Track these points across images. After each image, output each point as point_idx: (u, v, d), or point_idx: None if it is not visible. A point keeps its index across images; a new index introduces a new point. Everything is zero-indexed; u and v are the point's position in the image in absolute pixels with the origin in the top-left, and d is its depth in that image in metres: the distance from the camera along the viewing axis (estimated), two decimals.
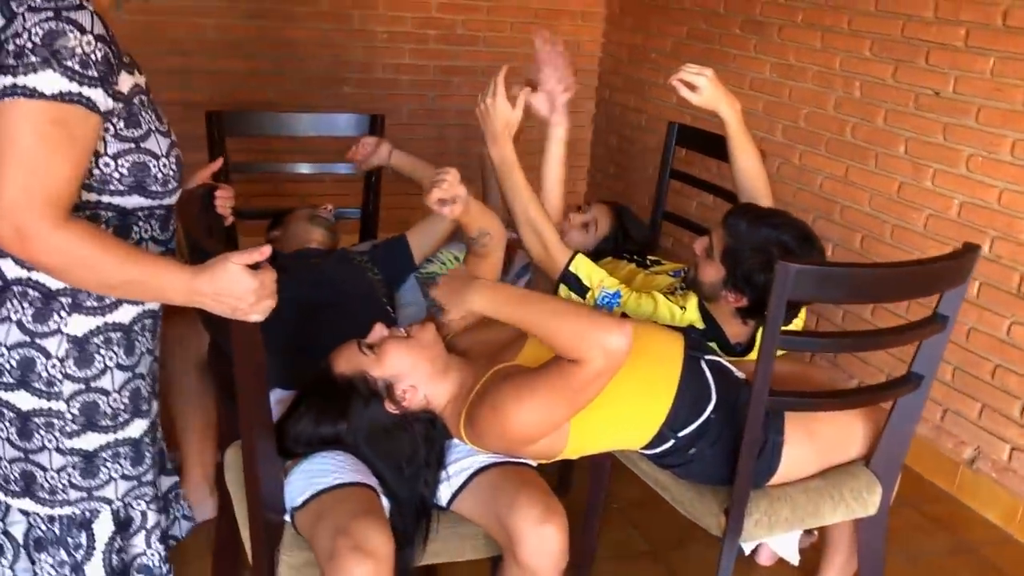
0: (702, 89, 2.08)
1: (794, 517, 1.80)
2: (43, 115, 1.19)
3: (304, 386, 1.73)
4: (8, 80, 1.18)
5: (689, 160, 3.04)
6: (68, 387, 1.38)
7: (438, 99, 4.23)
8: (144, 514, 1.55)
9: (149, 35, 3.66)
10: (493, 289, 1.61)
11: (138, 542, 1.56)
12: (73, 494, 1.44)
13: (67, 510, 1.45)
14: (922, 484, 2.85)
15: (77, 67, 1.21)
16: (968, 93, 2.69)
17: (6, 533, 1.49)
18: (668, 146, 2.78)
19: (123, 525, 1.52)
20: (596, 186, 4.68)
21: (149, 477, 1.54)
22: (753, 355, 2.01)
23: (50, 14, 1.19)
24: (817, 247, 1.90)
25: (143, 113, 1.36)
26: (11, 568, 1.50)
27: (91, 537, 1.47)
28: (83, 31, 1.21)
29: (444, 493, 1.69)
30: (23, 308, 1.34)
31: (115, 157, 1.33)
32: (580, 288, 2.04)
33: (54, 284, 1.34)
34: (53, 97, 1.19)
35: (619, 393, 1.69)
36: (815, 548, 2.26)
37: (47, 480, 1.42)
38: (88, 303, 1.37)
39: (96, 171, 1.32)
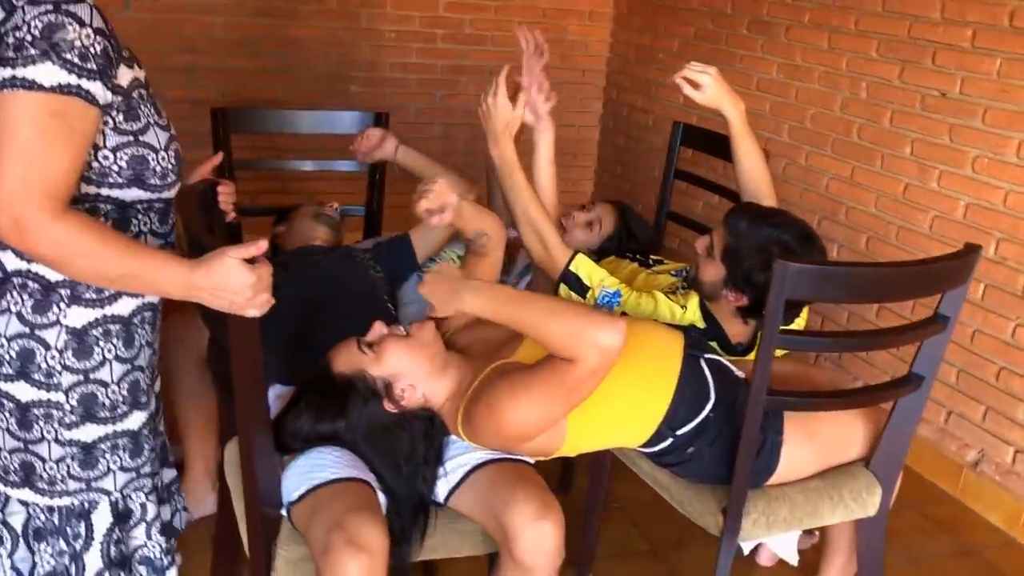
0: (706, 87, 2.08)
1: (792, 517, 1.79)
2: (42, 107, 1.20)
3: (304, 383, 1.74)
4: (7, 72, 1.19)
5: (695, 160, 3.03)
6: (67, 378, 1.39)
7: (445, 98, 4.24)
8: (143, 506, 1.55)
9: (157, 32, 3.69)
10: (486, 290, 1.60)
11: (138, 534, 1.57)
12: (72, 485, 1.45)
13: (66, 500, 1.46)
14: (925, 486, 2.84)
15: (76, 60, 1.22)
16: (975, 94, 2.68)
17: (5, 523, 1.50)
18: (673, 146, 2.78)
19: (122, 517, 1.52)
20: (603, 186, 4.68)
21: (148, 469, 1.55)
22: (753, 355, 2.00)
23: (50, 7, 1.21)
24: (818, 247, 1.90)
25: (142, 107, 1.37)
26: (10, 557, 1.50)
27: (90, 527, 1.48)
28: (82, 24, 1.22)
29: (441, 489, 1.70)
30: (23, 300, 1.35)
31: (114, 150, 1.34)
32: (580, 287, 2.04)
33: (54, 276, 1.35)
34: (52, 89, 1.20)
35: (617, 391, 1.69)
36: (816, 549, 2.25)
37: (46, 471, 1.43)
38: (87, 295, 1.38)
39: (95, 164, 1.33)
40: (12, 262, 1.35)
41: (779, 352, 2.12)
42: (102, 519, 1.49)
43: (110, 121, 1.32)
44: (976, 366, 2.73)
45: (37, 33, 1.20)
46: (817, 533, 2.30)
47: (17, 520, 1.49)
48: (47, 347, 1.37)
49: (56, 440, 1.42)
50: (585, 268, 2.05)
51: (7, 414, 1.40)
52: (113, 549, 1.50)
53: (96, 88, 1.25)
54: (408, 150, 2.53)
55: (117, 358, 1.43)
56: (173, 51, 3.74)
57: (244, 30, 3.85)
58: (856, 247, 3.12)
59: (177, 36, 3.75)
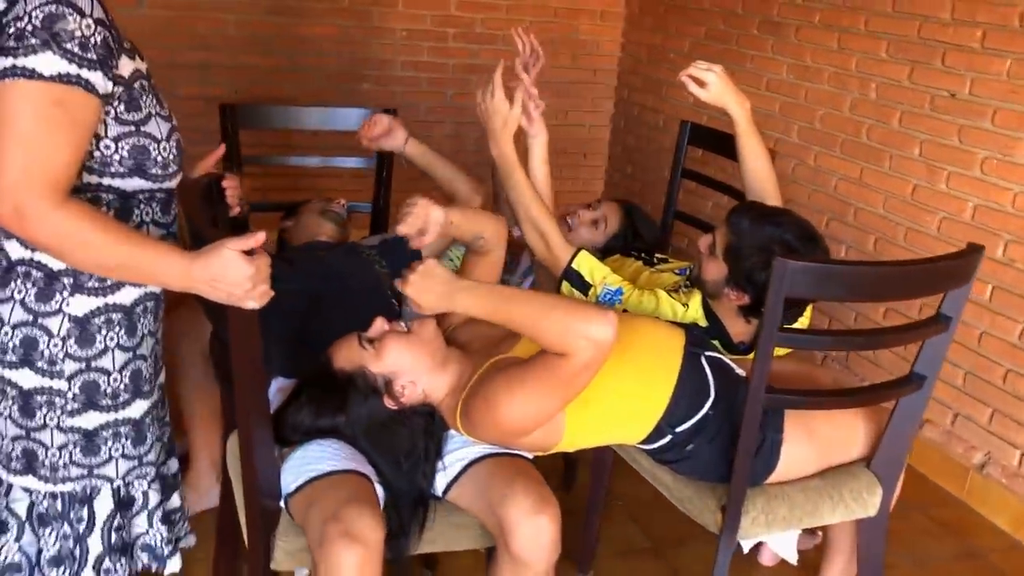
0: (711, 85, 2.08)
1: (792, 516, 1.79)
2: (43, 96, 1.22)
3: (305, 377, 1.75)
4: (8, 61, 1.21)
5: (705, 160, 3.03)
6: (69, 366, 1.41)
7: (456, 97, 4.25)
8: (145, 494, 1.57)
9: (170, 30, 3.72)
10: (476, 289, 1.59)
11: (140, 522, 1.59)
12: (74, 471, 1.47)
13: (68, 487, 1.48)
14: (931, 488, 2.83)
15: (76, 49, 1.23)
16: (984, 95, 2.66)
17: (9, 510, 1.53)
18: (680, 145, 2.78)
19: (124, 504, 1.54)
20: (613, 185, 4.68)
21: (151, 458, 1.57)
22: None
23: None
24: (821, 247, 1.89)
25: (144, 97, 1.39)
26: (17, 542, 1.53)
27: (91, 513, 1.51)
28: (83, 14, 1.24)
29: (440, 483, 1.70)
30: (27, 288, 1.37)
31: (116, 140, 1.36)
32: (582, 285, 2.04)
33: (56, 265, 1.37)
34: (52, 78, 1.22)
35: (616, 387, 1.70)
36: (818, 549, 2.25)
37: (48, 458, 1.45)
38: (90, 284, 1.39)
39: (97, 153, 1.35)
40: (16, 251, 1.37)
41: (783, 351, 2.13)
42: (103, 505, 1.51)
43: (111, 111, 1.34)
44: (983, 368, 2.72)
45: (38, 23, 1.21)
46: (820, 533, 2.30)
47: (21, 506, 1.51)
48: (50, 335, 1.39)
49: (58, 427, 1.43)
50: (587, 265, 2.06)
51: (10, 401, 1.42)
52: (114, 536, 1.52)
53: (96, 78, 1.26)
54: (418, 144, 2.47)
55: (119, 347, 1.45)
56: (186, 48, 3.77)
57: (256, 28, 3.88)
58: (864, 248, 3.11)
59: (190, 33, 3.78)
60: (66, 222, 1.23)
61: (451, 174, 2.43)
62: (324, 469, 1.59)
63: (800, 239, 1.86)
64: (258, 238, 1.32)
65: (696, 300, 2.05)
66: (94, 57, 1.25)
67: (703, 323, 2.04)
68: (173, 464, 1.73)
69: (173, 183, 1.47)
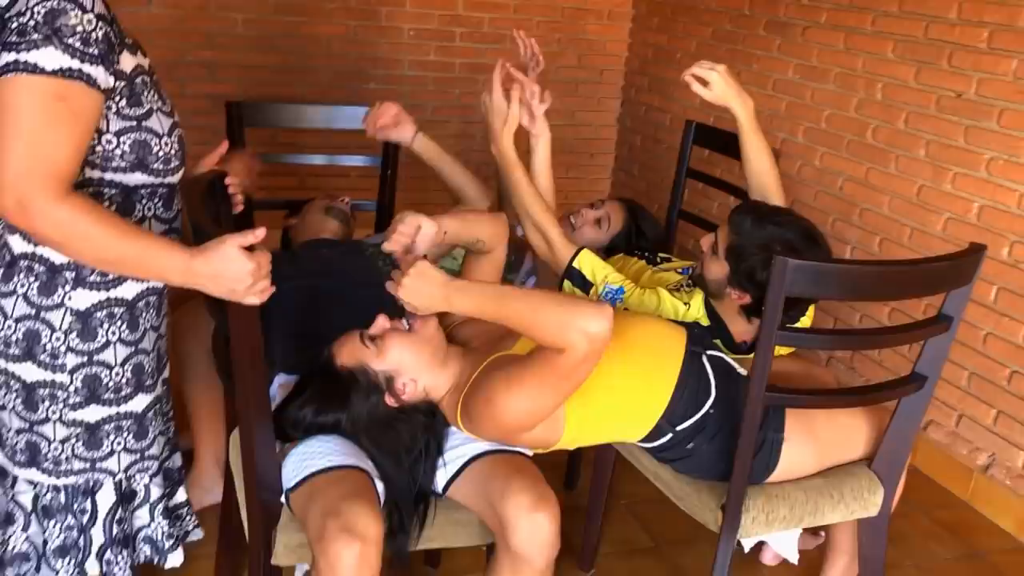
0: (714, 84, 2.07)
1: (792, 515, 1.79)
2: (45, 90, 1.23)
3: (307, 373, 1.76)
4: (11, 56, 1.23)
5: (712, 160, 3.03)
6: (71, 360, 1.42)
7: (463, 96, 4.26)
8: (147, 488, 1.58)
9: (179, 28, 3.74)
10: (470, 289, 1.59)
11: (142, 514, 1.60)
12: (77, 464, 1.48)
13: (71, 480, 1.49)
14: (935, 490, 2.82)
15: (78, 44, 1.25)
16: (990, 95, 2.66)
17: (15, 502, 1.54)
18: (685, 145, 2.78)
19: (126, 497, 1.56)
20: (620, 185, 4.68)
21: (153, 452, 1.58)
22: None
23: None
24: (822, 247, 1.89)
25: (146, 93, 1.40)
26: (24, 531, 1.55)
27: (94, 505, 1.52)
28: (84, 10, 1.26)
29: (440, 479, 1.71)
30: (29, 282, 1.39)
31: (117, 135, 1.37)
32: (584, 284, 2.05)
33: (59, 259, 1.38)
34: (54, 73, 1.23)
35: (617, 385, 1.70)
36: (821, 550, 2.25)
37: (51, 451, 1.47)
38: (91, 278, 1.41)
39: (99, 148, 1.36)
40: (19, 245, 1.39)
41: (785, 351, 2.13)
42: (106, 498, 1.52)
43: (113, 106, 1.35)
44: (987, 369, 2.71)
45: (40, 19, 1.23)
46: (823, 534, 2.30)
47: (26, 498, 1.53)
48: (52, 329, 1.40)
49: (61, 420, 1.45)
50: (589, 264, 2.06)
51: (13, 394, 1.44)
52: (115, 528, 1.53)
53: (98, 72, 1.28)
54: (427, 140, 2.38)
55: (121, 341, 1.46)
56: (195, 47, 3.79)
57: (265, 27, 3.89)
58: (870, 248, 3.10)
59: (199, 32, 3.80)
60: (68, 216, 1.25)
61: (460, 176, 2.38)
62: (324, 464, 1.60)
63: (802, 239, 1.86)
64: (257, 234, 1.33)
65: (698, 299, 2.05)
66: (95, 52, 1.27)
67: (705, 322, 2.04)
68: (177, 459, 1.74)
69: (175, 178, 1.48)
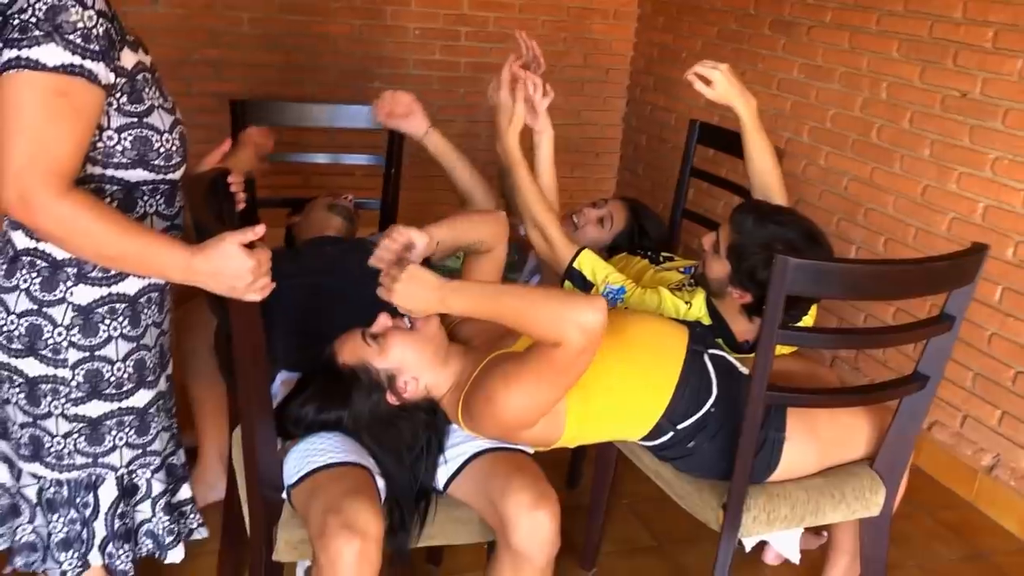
0: (716, 83, 2.07)
1: (794, 515, 1.79)
2: (46, 86, 1.24)
3: (309, 371, 1.77)
4: (12, 53, 1.24)
5: (717, 159, 3.03)
6: (73, 355, 1.43)
7: (468, 96, 4.26)
8: (149, 483, 1.59)
9: (185, 27, 3.76)
10: (464, 289, 1.59)
11: (144, 509, 1.61)
12: (79, 459, 1.49)
13: (74, 474, 1.50)
14: (939, 490, 2.82)
15: (79, 40, 1.25)
16: (995, 95, 2.65)
17: (21, 495, 1.56)
18: (689, 145, 2.78)
19: (128, 492, 1.57)
20: (625, 184, 4.68)
21: (156, 447, 1.58)
22: None
23: None
24: (824, 246, 1.89)
25: (147, 89, 1.41)
26: (31, 523, 1.56)
27: (96, 498, 1.53)
28: (84, 6, 1.27)
29: (441, 477, 1.72)
30: (32, 277, 1.39)
31: (118, 131, 1.38)
32: (584, 284, 2.05)
33: (61, 254, 1.39)
34: (55, 69, 1.24)
35: (618, 383, 1.70)
36: (823, 550, 2.24)
37: (54, 445, 1.48)
38: (93, 273, 1.42)
39: (100, 144, 1.37)
40: (22, 241, 1.40)
41: (787, 350, 2.13)
42: (108, 493, 1.53)
43: (114, 102, 1.36)
44: (992, 370, 2.70)
45: (41, 15, 1.24)
46: (826, 534, 2.29)
47: (31, 491, 1.54)
48: (54, 324, 1.41)
49: (63, 415, 1.46)
50: (589, 265, 2.06)
51: (17, 389, 1.45)
52: (117, 522, 1.54)
53: (99, 69, 1.29)
54: (440, 136, 2.31)
55: (123, 336, 1.47)
56: (200, 46, 3.81)
57: (270, 25, 3.91)
58: (874, 249, 3.10)
59: (204, 31, 3.81)
60: (69, 211, 1.25)
61: (468, 177, 2.32)
62: (326, 461, 1.60)
63: (803, 238, 1.86)
64: (257, 231, 1.34)
65: (700, 298, 2.05)
66: (96, 48, 1.28)
67: (707, 322, 2.04)
68: (181, 455, 1.74)
69: (176, 175, 1.49)
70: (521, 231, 2.24)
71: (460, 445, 1.73)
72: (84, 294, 1.41)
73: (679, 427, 1.75)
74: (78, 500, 1.52)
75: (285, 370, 1.91)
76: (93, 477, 1.52)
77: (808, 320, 2.07)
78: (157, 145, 1.42)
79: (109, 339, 1.45)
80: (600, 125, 4.64)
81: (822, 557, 2.19)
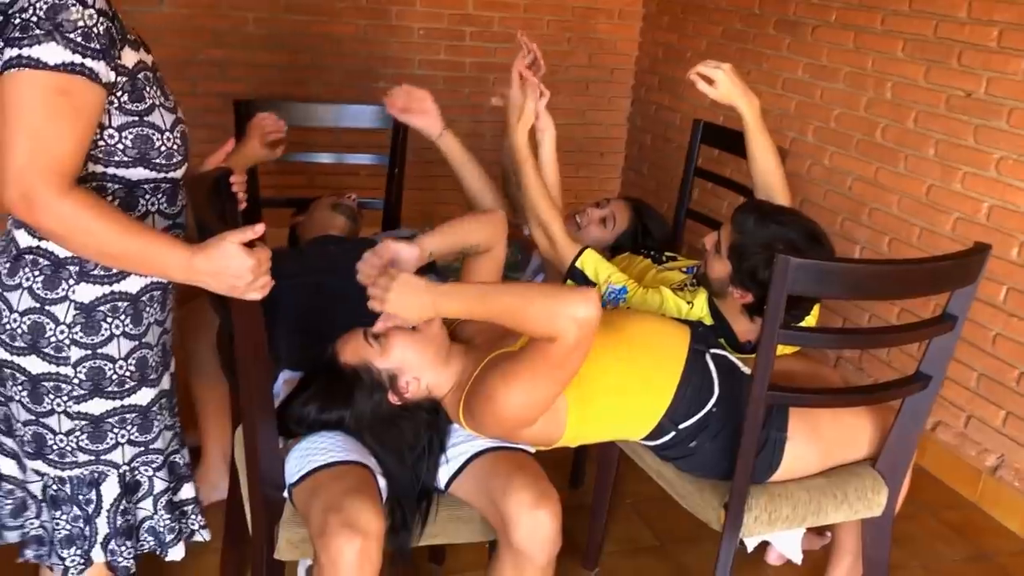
0: (719, 83, 2.08)
1: (795, 515, 1.79)
2: (47, 85, 1.25)
3: (311, 370, 1.77)
4: (13, 52, 1.24)
5: (722, 159, 3.03)
6: (75, 353, 1.43)
7: (473, 96, 4.27)
8: (151, 480, 1.60)
9: (190, 27, 3.77)
10: (457, 292, 1.58)
11: (146, 505, 1.61)
12: (81, 457, 1.50)
13: (76, 472, 1.51)
14: (943, 491, 2.81)
15: (80, 39, 1.26)
16: (1000, 95, 2.64)
17: (27, 491, 1.57)
18: (693, 144, 2.77)
19: (130, 489, 1.57)
20: (629, 184, 4.68)
21: (158, 445, 1.59)
22: None
23: None
24: (826, 247, 1.88)
25: (148, 88, 1.41)
26: (37, 518, 1.58)
27: (99, 495, 1.53)
28: (85, 5, 1.27)
29: (442, 476, 1.72)
30: (34, 276, 1.40)
31: (119, 129, 1.38)
32: (586, 284, 2.05)
33: (63, 253, 1.40)
34: (56, 68, 1.25)
35: (619, 383, 1.70)
36: (826, 550, 2.24)
37: (56, 443, 1.48)
38: (95, 272, 1.42)
39: (101, 143, 1.38)
40: (25, 239, 1.40)
41: (790, 349, 2.12)
42: (110, 490, 1.53)
43: (115, 101, 1.36)
44: (997, 370, 2.69)
45: (42, 14, 1.24)
46: (828, 534, 2.29)
47: (36, 488, 1.55)
48: (56, 322, 1.41)
49: (65, 413, 1.46)
50: (592, 264, 2.06)
51: (19, 387, 1.45)
52: (119, 519, 1.55)
53: (99, 67, 1.29)
54: (454, 139, 2.29)
55: (125, 334, 1.47)
56: (205, 46, 3.82)
57: (275, 25, 3.92)
58: (879, 248, 3.09)
59: (209, 31, 3.83)
60: (71, 210, 1.26)
61: (478, 181, 2.29)
62: (327, 460, 1.61)
63: (804, 238, 1.85)
64: (256, 230, 1.34)
65: (702, 298, 2.05)
66: (97, 47, 1.28)
67: (709, 321, 2.04)
68: (185, 454, 1.75)
69: (178, 173, 1.50)
70: (525, 231, 2.24)
71: (461, 444, 1.73)
72: (86, 292, 1.42)
73: (681, 427, 1.75)
74: (81, 497, 1.52)
75: (287, 369, 1.92)
76: (95, 474, 1.52)
77: (811, 320, 2.07)
78: (158, 144, 1.43)
79: (111, 337, 1.45)
80: (605, 125, 4.64)
81: (825, 557, 2.19)
